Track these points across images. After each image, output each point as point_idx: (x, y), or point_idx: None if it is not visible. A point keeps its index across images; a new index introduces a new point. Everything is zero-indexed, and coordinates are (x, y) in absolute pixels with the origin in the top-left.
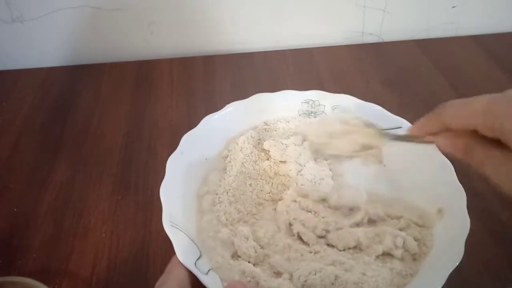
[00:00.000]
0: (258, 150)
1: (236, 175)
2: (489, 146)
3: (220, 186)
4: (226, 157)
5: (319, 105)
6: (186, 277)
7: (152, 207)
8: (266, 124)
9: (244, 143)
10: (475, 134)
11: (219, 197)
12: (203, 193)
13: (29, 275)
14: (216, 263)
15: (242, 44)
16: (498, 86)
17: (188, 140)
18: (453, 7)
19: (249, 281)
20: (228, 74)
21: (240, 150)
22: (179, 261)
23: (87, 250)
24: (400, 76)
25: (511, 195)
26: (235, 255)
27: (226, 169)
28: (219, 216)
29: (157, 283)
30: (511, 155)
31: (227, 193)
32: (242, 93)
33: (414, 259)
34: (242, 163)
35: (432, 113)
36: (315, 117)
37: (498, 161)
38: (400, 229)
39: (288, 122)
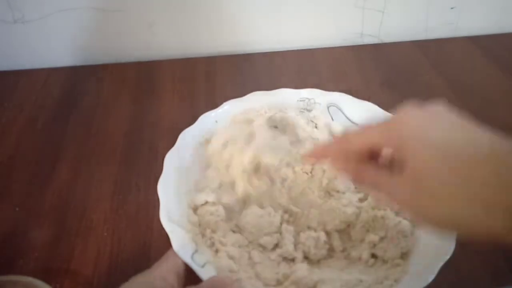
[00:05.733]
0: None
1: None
2: (380, 168)
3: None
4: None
5: (315, 103)
6: (181, 265)
7: (153, 206)
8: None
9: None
10: (365, 157)
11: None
12: (200, 189)
13: (31, 274)
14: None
15: (243, 45)
16: (497, 86)
17: (185, 137)
18: (451, 8)
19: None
20: (229, 75)
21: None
22: (174, 252)
23: (88, 249)
24: (399, 77)
25: (408, 213)
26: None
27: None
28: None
29: (153, 266)
30: (400, 174)
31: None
32: (243, 94)
33: (403, 256)
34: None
35: (333, 139)
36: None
37: (389, 181)
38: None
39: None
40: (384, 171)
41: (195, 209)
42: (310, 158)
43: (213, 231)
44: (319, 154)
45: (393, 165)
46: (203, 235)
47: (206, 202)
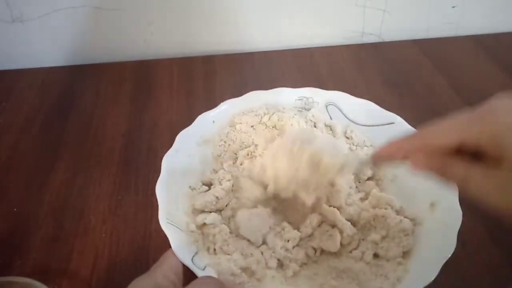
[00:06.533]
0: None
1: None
2: (469, 161)
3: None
4: (220, 154)
5: (313, 102)
6: (180, 266)
7: (152, 207)
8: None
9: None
10: (450, 152)
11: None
12: (199, 189)
13: (29, 275)
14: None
15: (242, 44)
16: (497, 86)
17: (183, 137)
18: (453, 7)
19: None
20: (228, 74)
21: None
22: (173, 252)
23: (87, 250)
24: (400, 76)
25: (498, 207)
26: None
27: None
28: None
29: (152, 267)
30: (495, 167)
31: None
32: (242, 93)
33: (405, 254)
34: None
35: (410, 134)
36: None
37: (482, 175)
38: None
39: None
40: (475, 165)
41: (199, 226)
42: (383, 157)
43: (223, 251)
44: (394, 151)
45: (485, 159)
46: (208, 248)
47: (205, 224)
